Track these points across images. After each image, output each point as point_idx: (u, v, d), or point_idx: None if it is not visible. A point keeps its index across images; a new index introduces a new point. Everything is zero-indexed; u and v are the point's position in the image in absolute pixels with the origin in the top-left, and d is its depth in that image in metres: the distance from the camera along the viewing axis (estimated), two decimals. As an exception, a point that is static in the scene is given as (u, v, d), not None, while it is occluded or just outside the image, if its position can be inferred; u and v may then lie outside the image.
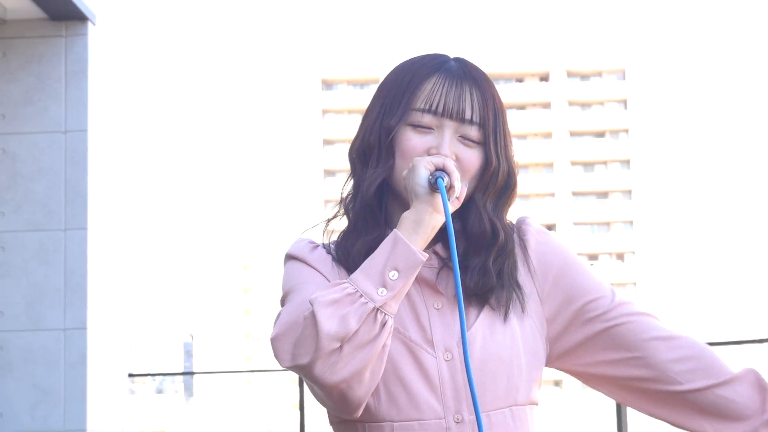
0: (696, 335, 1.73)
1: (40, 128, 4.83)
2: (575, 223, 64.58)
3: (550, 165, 64.09)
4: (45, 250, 4.76)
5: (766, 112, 75.13)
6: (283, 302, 1.62)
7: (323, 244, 1.67)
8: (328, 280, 1.61)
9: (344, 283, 1.51)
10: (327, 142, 68.01)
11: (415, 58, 1.67)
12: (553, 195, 64.57)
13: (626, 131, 65.91)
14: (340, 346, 1.49)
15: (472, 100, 1.60)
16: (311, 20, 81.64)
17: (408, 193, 1.55)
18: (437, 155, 1.56)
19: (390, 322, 1.51)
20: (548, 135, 63.94)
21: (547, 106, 64.94)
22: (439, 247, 1.63)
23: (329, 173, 66.68)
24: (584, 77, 66.47)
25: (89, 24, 4.86)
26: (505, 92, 63.66)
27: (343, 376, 1.50)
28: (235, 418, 53.82)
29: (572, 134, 65.12)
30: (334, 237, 1.69)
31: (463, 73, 1.62)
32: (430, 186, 1.52)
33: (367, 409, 1.58)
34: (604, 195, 65.48)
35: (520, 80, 65.65)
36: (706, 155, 74.62)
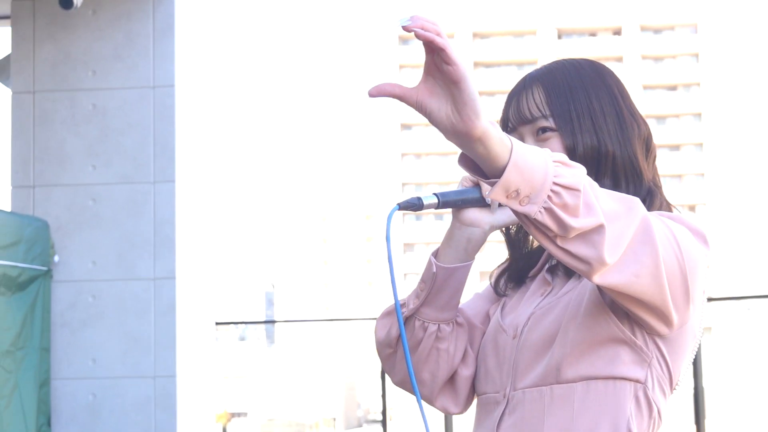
0: None
1: (129, 84, 4.94)
2: (649, 176, 63.77)
3: (626, 118, 63.01)
4: (134, 202, 4.88)
5: None
6: None
7: None
8: None
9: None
10: (405, 95, 67.63)
11: None
12: (630, 147, 63.51)
13: (698, 85, 64.72)
14: (395, 351, 1.67)
15: (534, 97, 1.64)
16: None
17: None
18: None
19: (432, 328, 1.64)
20: (621, 89, 63.11)
21: (620, 60, 64.02)
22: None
23: (405, 126, 66.50)
24: (657, 31, 65.24)
25: (175, -19, 4.94)
26: (579, 47, 62.91)
27: (400, 377, 1.68)
28: (314, 364, 54.56)
29: (645, 88, 64.23)
30: None
31: (528, 79, 1.67)
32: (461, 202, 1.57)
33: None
34: (676, 147, 64.62)
35: (593, 35, 64.74)
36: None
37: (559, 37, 65.23)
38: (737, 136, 65.19)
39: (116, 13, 4.97)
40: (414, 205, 1.48)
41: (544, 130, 1.62)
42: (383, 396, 6.51)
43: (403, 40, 67.79)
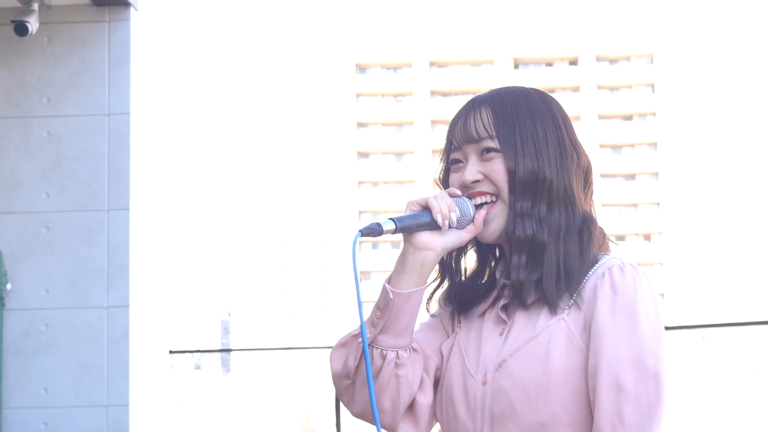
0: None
1: (84, 111, 4.93)
2: (603, 205, 64.39)
3: (580, 147, 63.73)
4: (89, 230, 4.86)
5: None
6: None
7: None
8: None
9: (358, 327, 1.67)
10: (360, 125, 67.92)
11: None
12: (584, 176, 64.15)
13: (653, 114, 65.69)
14: (353, 382, 1.67)
15: (482, 118, 1.67)
16: (346, 4, 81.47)
17: None
18: (441, 193, 1.65)
19: (391, 356, 1.65)
20: (577, 118, 63.83)
21: (576, 89, 64.85)
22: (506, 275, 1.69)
23: (362, 155, 66.67)
24: (613, 61, 66.24)
25: (131, 9, 4.95)
26: (535, 76, 63.58)
27: (361, 408, 1.68)
28: (270, 392, 54.20)
29: (601, 117, 65.07)
30: None
31: (477, 100, 1.70)
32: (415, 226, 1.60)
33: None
34: (631, 177, 65.43)
35: (549, 64, 65.55)
36: (732, 137, 73.88)
37: (516, 66, 65.82)
38: (692, 165, 66.23)
39: (72, 41, 4.96)
40: (375, 231, 1.55)
41: (489, 150, 1.66)
42: (338, 425, 6.51)
43: (361, 68, 68.13)
